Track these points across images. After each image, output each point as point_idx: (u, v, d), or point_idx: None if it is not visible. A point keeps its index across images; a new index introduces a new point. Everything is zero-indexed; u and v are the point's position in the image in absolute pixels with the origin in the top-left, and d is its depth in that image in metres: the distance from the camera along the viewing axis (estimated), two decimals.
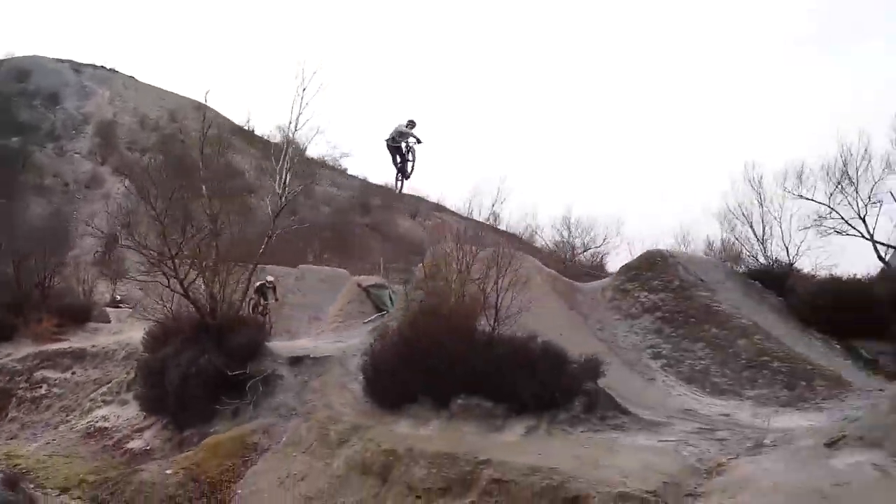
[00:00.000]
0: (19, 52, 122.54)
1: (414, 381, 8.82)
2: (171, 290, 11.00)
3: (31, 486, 8.95)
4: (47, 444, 11.41)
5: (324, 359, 11.02)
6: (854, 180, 12.94)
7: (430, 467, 7.66)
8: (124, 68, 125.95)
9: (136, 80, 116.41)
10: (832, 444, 6.40)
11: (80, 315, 18.70)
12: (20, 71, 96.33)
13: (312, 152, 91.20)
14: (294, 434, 9.34)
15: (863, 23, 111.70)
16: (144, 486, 8.58)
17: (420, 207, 76.38)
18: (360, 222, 60.13)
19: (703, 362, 10.47)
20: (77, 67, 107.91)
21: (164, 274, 10.72)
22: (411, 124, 13.89)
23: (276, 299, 15.82)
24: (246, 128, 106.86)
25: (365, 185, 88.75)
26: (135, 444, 10.67)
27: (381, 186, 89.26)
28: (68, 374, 14.05)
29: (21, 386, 14.08)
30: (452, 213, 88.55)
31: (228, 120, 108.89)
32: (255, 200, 60.08)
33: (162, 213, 11.22)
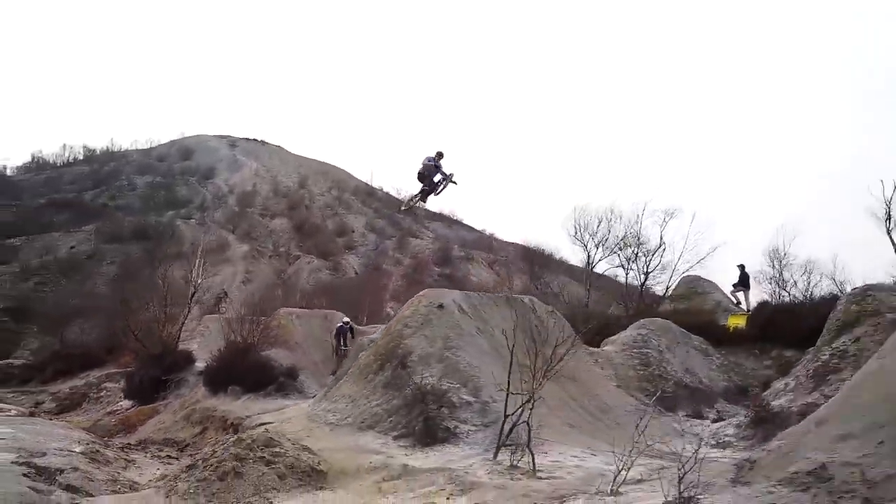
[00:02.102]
0: (189, 131, 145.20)
1: (221, 378, 19.00)
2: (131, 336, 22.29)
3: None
4: (88, 416, 22.76)
5: None
6: None
7: (200, 414, 17.81)
8: (274, 138, 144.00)
9: (282, 150, 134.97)
10: (323, 393, 15.77)
11: None
12: (186, 150, 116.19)
13: (432, 205, 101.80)
14: (172, 405, 19.88)
15: None
16: (99, 424, 19.54)
17: (502, 255, 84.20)
18: (438, 272, 69.87)
19: None
20: (233, 142, 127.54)
21: (125, 327, 21.97)
22: (439, 156, 14.64)
23: (351, 339, 20.38)
24: (370, 184, 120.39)
25: (467, 233, 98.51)
26: (122, 415, 21.65)
27: (485, 236, 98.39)
28: (117, 384, 25.60)
29: (92, 391, 25.86)
30: (559, 262, 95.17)
31: (354, 178, 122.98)
32: (347, 258, 71.23)
33: (118, 290, 22.43)
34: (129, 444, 17.36)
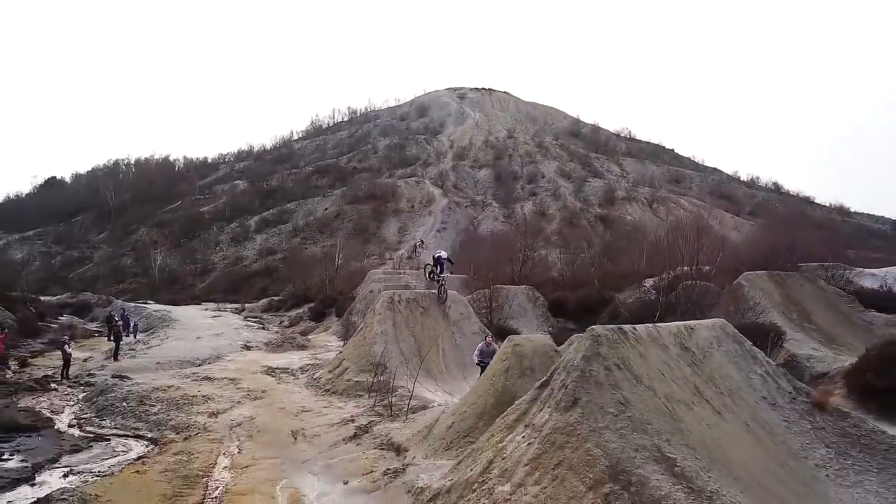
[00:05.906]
0: (430, 86, 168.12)
1: (334, 309, 41.23)
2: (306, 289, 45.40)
3: None
4: (295, 329, 46.93)
5: None
6: None
7: (325, 327, 40.23)
8: (502, 84, 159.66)
9: (508, 95, 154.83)
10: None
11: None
12: (422, 107, 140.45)
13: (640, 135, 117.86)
14: (324, 323, 42.59)
15: None
16: (295, 330, 43.13)
17: (662, 191, 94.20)
18: (597, 213, 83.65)
19: None
20: (463, 94, 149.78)
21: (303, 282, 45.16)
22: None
23: (450, 272, 26.49)
24: (580, 119, 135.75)
25: (658, 167, 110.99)
26: (304, 328, 45.26)
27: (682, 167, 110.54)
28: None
29: (303, 315, 50.08)
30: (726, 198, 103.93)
31: (565, 116, 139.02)
32: (524, 205, 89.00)
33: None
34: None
